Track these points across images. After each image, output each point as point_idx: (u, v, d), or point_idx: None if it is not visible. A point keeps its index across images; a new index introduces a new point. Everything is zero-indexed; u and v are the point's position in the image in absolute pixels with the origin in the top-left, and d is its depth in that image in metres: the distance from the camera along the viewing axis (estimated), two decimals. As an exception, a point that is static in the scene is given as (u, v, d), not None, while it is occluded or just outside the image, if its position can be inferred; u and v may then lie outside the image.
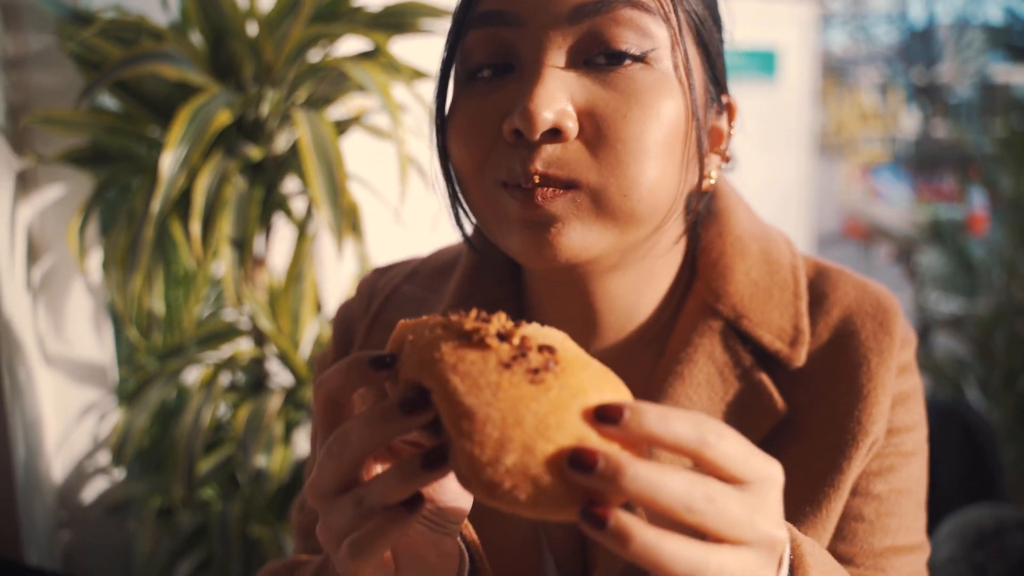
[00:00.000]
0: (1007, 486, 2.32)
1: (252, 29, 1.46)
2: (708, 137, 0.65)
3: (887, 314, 0.69)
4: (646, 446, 0.41)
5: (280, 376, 1.65)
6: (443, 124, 0.65)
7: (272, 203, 1.54)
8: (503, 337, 0.43)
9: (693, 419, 0.41)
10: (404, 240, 1.48)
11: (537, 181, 0.57)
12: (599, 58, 0.58)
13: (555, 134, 0.57)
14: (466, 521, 0.62)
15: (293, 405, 1.57)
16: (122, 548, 1.72)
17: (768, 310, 0.69)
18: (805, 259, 0.74)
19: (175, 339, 1.64)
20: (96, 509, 1.68)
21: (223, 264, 1.42)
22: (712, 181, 0.67)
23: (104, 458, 1.70)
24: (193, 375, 1.76)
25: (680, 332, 0.70)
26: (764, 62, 4.46)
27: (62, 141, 1.52)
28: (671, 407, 0.41)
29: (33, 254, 1.58)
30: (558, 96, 0.56)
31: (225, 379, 1.60)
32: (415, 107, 1.59)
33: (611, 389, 0.43)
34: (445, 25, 1.48)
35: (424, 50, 1.39)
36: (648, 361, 0.72)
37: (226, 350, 1.63)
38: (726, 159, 0.68)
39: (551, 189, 0.57)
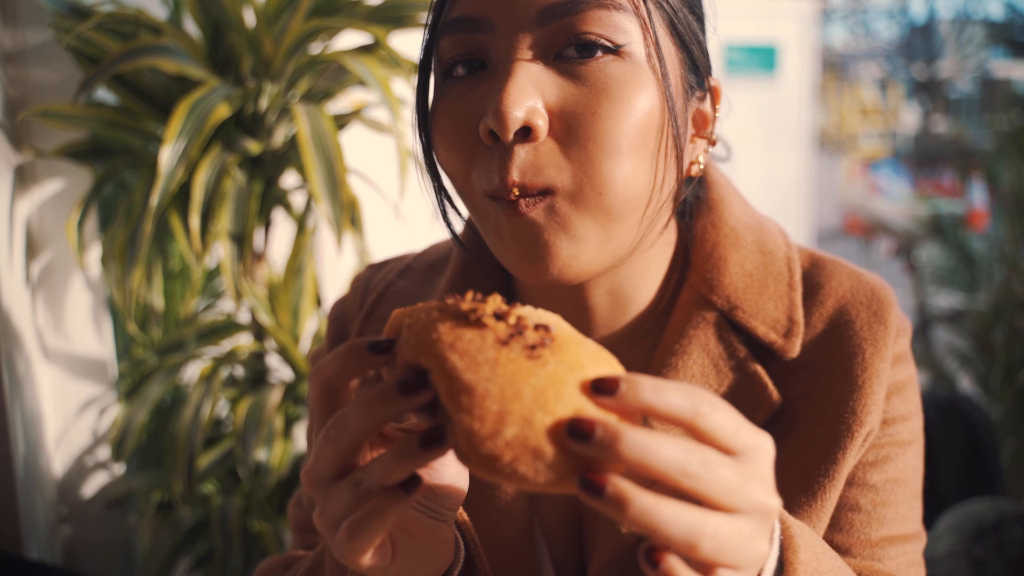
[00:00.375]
0: (1006, 480, 2.33)
1: (251, 22, 1.45)
2: (692, 123, 0.65)
3: (882, 304, 0.69)
4: (641, 417, 0.42)
5: (280, 371, 1.65)
6: (426, 124, 0.65)
7: (271, 197, 1.54)
8: (499, 316, 0.44)
9: (686, 390, 0.42)
10: (404, 234, 1.48)
11: (517, 194, 0.57)
12: (570, 50, 0.57)
13: (528, 133, 0.57)
14: (462, 510, 0.62)
15: (293, 400, 1.57)
16: (122, 543, 1.73)
17: (762, 301, 0.69)
18: (800, 250, 0.74)
19: (173, 333, 1.63)
20: (96, 504, 1.68)
21: (223, 258, 1.41)
22: (701, 166, 0.66)
23: (104, 453, 1.70)
24: (192, 370, 1.76)
25: (675, 324, 0.70)
26: (765, 58, 4.46)
27: (60, 135, 1.52)
28: (665, 380, 0.42)
29: (32, 249, 1.58)
30: (528, 93, 0.56)
31: (225, 373, 1.60)
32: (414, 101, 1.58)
33: (607, 364, 0.44)
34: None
35: (423, 44, 1.39)
36: (643, 353, 0.72)
37: (226, 345, 1.63)
38: (712, 142, 0.67)
39: (531, 199, 0.57)
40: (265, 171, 1.51)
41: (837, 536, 0.68)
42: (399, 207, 1.44)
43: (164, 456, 1.70)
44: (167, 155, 1.29)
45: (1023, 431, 2.80)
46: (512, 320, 0.44)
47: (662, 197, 0.63)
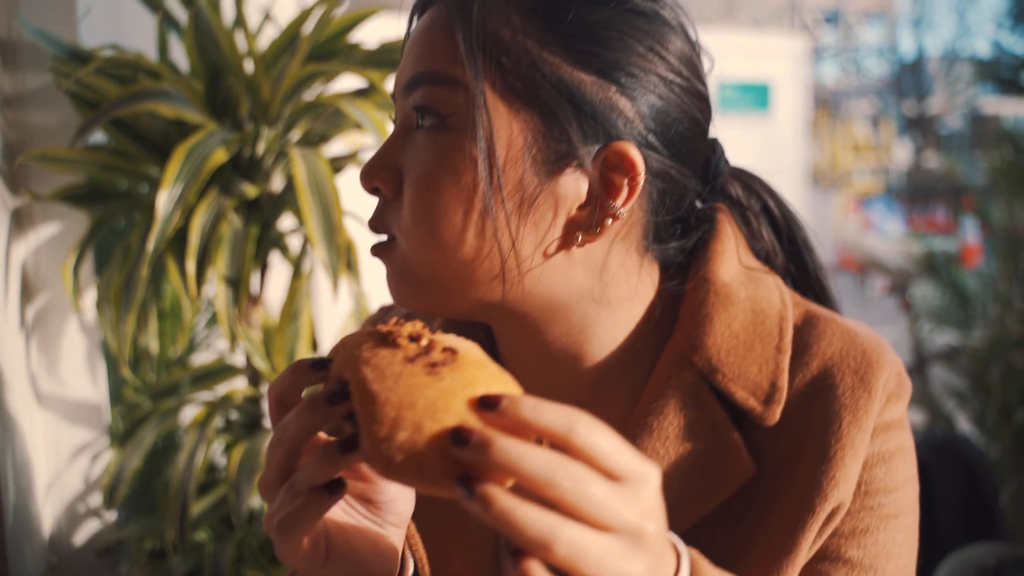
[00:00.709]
0: (1007, 522, 2.31)
1: (249, 67, 1.46)
2: (566, 195, 0.62)
3: (870, 368, 0.66)
4: (527, 434, 0.44)
5: (275, 415, 1.63)
6: None
7: (267, 241, 1.54)
8: (413, 338, 0.50)
9: (566, 412, 0.44)
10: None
11: (372, 230, 0.67)
12: (420, 120, 0.63)
13: (379, 191, 0.66)
14: (414, 530, 0.68)
15: (288, 444, 1.55)
16: (113, 590, 1.70)
17: (746, 364, 0.66)
18: (797, 304, 0.71)
19: (167, 377, 1.62)
20: (87, 552, 1.66)
21: (219, 302, 1.41)
22: (598, 233, 0.63)
23: (96, 499, 1.68)
24: (186, 413, 1.74)
25: (655, 382, 0.68)
26: (758, 96, 4.51)
27: (57, 179, 1.52)
28: (547, 401, 0.45)
29: (27, 292, 1.57)
30: (384, 158, 0.65)
31: (219, 418, 1.58)
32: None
33: (501, 384, 0.48)
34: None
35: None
36: (619, 404, 0.70)
37: (220, 389, 1.62)
38: (615, 217, 0.63)
39: (381, 244, 0.67)
40: (262, 214, 1.51)
41: None
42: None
43: (156, 503, 1.68)
44: (164, 199, 1.29)
45: (1023, 471, 2.79)
46: (424, 342, 0.49)
47: (533, 260, 0.63)
